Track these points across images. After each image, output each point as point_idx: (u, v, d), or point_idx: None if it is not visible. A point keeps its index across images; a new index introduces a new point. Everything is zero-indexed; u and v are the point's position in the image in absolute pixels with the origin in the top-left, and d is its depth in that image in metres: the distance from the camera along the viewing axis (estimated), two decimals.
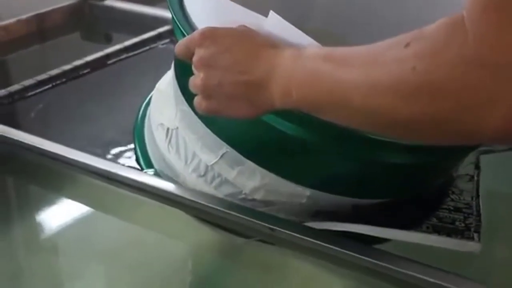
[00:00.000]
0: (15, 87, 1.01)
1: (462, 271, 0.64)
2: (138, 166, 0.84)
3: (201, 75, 0.57)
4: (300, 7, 0.85)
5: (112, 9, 1.35)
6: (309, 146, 0.63)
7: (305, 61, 0.53)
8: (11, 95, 1.00)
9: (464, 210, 0.74)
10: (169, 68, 0.82)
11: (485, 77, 0.42)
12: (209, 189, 0.74)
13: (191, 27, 0.65)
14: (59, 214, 0.83)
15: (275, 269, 0.73)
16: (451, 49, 0.43)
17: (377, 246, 0.68)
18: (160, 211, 0.79)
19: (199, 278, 0.75)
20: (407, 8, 0.79)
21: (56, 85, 1.05)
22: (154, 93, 0.85)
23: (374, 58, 0.48)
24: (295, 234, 0.69)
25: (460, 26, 0.43)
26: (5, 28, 1.23)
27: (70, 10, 1.34)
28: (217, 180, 0.73)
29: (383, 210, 0.72)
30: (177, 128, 0.75)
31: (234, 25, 0.58)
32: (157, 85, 0.84)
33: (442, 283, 0.62)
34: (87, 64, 1.09)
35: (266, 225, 0.70)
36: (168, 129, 0.77)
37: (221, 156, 0.71)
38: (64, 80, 1.06)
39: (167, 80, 0.81)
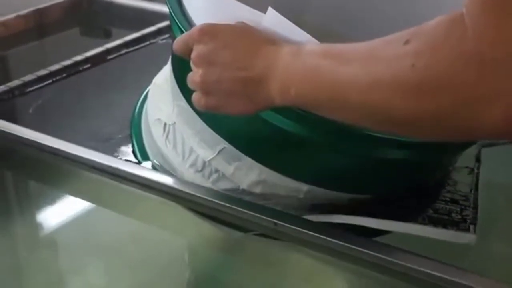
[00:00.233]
0: (15, 82, 1.01)
1: (458, 262, 0.64)
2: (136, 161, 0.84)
3: (200, 71, 0.57)
4: (297, 2, 0.85)
5: (111, 4, 1.35)
6: (307, 142, 0.64)
7: (304, 58, 0.53)
8: (11, 90, 1.00)
9: (461, 202, 0.74)
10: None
11: (484, 73, 0.42)
12: (206, 184, 0.74)
13: (189, 23, 0.65)
14: (59, 209, 0.84)
15: (276, 263, 0.73)
16: (451, 45, 0.43)
17: (378, 239, 0.68)
18: (161, 206, 0.79)
19: (200, 272, 0.75)
20: (405, 3, 0.79)
21: (56, 80, 1.04)
22: (151, 88, 0.85)
23: (373, 55, 0.48)
24: (297, 228, 0.69)
25: (459, 22, 0.43)
26: (4, 23, 1.22)
27: (69, 5, 1.34)
28: (215, 176, 0.73)
29: (380, 203, 0.72)
30: (174, 123, 0.75)
31: (232, 22, 0.58)
32: (154, 80, 0.84)
33: (443, 276, 0.62)
34: (87, 60, 1.09)
35: (269, 219, 0.70)
36: (165, 124, 0.77)
37: (219, 152, 0.71)
38: (64, 75, 1.06)
39: (164, 75, 0.80)
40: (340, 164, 0.67)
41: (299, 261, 0.73)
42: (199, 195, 0.74)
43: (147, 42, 1.18)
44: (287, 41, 0.56)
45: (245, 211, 0.71)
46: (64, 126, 0.94)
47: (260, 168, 0.69)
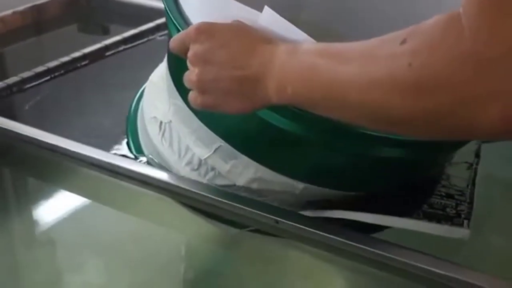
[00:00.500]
0: (13, 79, 1.01)
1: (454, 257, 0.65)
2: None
3: (196, 70, 0.57)
4: (293, 0, 0.85)
5: (109, 0, 1.35)
6: (303, 141, 0.64)
7: (300, 57, 0.53)
8: (9, 87, 1.00)
9: (456, 196, 0.74)
10: None
11: (481, 73, 0.42)
12: None
13: (186, 22, 0.65)
14: (57, 205, 0.84)
15: (274, 259, 0.73)
16: (447, 45, 0.43)
17: (376, 235, 0.69)
18: (159, 202, 0.79)
19: (197, 269, 0.75)
20: (403, 1, 0.79)
21: (54, 77, 1.05)
22: (147, 85, 0.85)
23: (370, 54, 0.48)
24: (297, 225, 0.69)
25: (456, 22, 0.43)
26: (1, 19, 1.22)
27: (67, 1, 1.34)
28: (211, 174, 0.73)
29: (375, 199, 0.72)
30: (170, 121, 0.75)
31: (228, 20, 0.58)
32: (150, 78, 0.84)
33: (440, 271, 0.63)
34: (85, 56, 1.09)
35: (271, 216, 0.70)
36: (161, 122, 0.77)
37: (215, 150, 0.71)
38: (62, 72, 1.06)
39: (160, 73, 0.80)
40: (336, 163, 0.67)
41: (297, 257, 0.73)
42: (198, 191, 0.74)
43: (145, 39, 1.18)
44: (284, 40, 0.56)
45: (246, 208, 0.71)
46: (62, 123, 0.94)
47: (256, 167, 0.69)
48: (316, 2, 0.86)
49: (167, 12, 0.67)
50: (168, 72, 0.75)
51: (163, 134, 0.77)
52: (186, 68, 0.59)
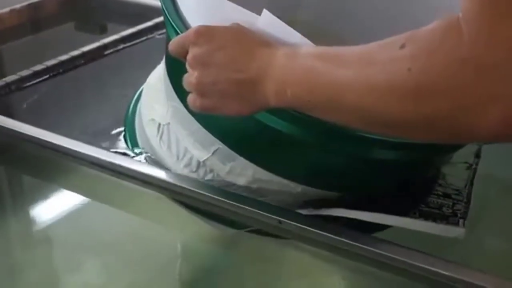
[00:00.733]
0: (11, 77, 1.01)
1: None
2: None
3: (196, 73, 0.58)
4: (290, 1, 0.85)
5: None
6: (301, 143, 0.64)
7: (300, 60, 0.53)
8: (8, 85, 1.00)
9: (453, 196, 0.75)
10: None
11: (480, 77, 0.42)
12: None
13: (185, 25, 0.65)
14: (56, 204, 0.84)
15: (274, 259, 0.73)
16: (447, 50, 0.44)
17: (376, 235, 0.69)
18: (159, 201, 0.79)
19: (197, 269, 0.75)
20: (402, 2, 0.79)
21: (53, 75, 1.04)
22: (144, 87, 0.85)
23: (369, 58, 0.49)
24: (298, 224, 0.69)
25: (455, 27, 0.43)
26: None
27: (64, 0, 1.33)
28: (209, 176, 0.73)
29: (372, 197, 0.72)
30: (169, 123, 0.75)
31: (227, 23, 0.58)
32: (147, 80, 0.84)
33: (443, 272, 0.63)
34: (83, 55, 1.09)
35: (274, 217, 0.70)
36: (159, 124, 0.77)
37: (213, 152, 0.71)
38: (61, 70, 1.05)
39: (158, 75, 0.80)
40: (334, 165, 0.67)
41: (296, 257, 0.74)
42: (200, 191, 0.74)
43: (144, 37, 1.18)
44: (282, 43, 0.56)
45: (248, 208, 0.71)
46: (61, 121, 0.94)
47: (254, 169, 0.70)
48: (313, 2, 0.86)
49: (166, 15, 0.67)
50: (166, 74, 0.75)
51: (161, 136, 0.77)
52: (185, 71, 0.59)
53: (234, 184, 0.72)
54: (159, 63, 0.84)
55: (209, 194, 0.73)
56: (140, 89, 0.88)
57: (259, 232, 0.72)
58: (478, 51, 0.42)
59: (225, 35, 0.57)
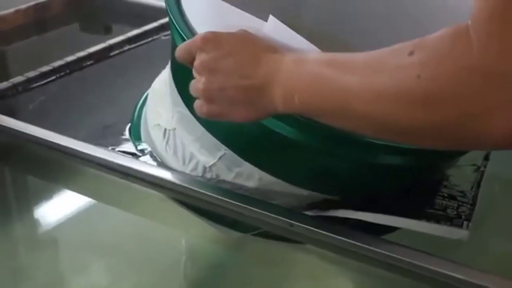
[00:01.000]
0: (18, 78, 1.01)
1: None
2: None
3: (203, 79, 0.58)
4: (293, 4, 0.85)
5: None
6: (308, 149, 0.64)
7: (307, 67, 0.53)
8: (14, 86, 1.00)
9: (458, 198, 0.75)
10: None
11: (489, 85, 0.42)
12: None
13: (191, 31, 0.65)
14: (62, 205, 0.84)
15: (280, 261, 0.73)
16: (456, 57, 0.44)
17: (385, 237, 0.69)
18: (165, 203, 0.79)
19: (202, 271, 0.75)
20: (405, 6, 0.79)
21: (60, 76, 1.05)
22: (149, 92, 0.85)
23: (377, 65, 0.49)
24: (309, 227, 0.69)
25: (464, 35, 0.44)
26: (3, 18, 1.22)
27: (69, 0, 1.33)
28: (215, 181, 0.73)
29: (377, 200, 0.72)
30: (175, 129, 0.76)
31: (234, 29, 0.58)
32: (152, 85, 0.84)
33: (450, 273, 0.63)
34: (90, 56, 1.09)
35: (286, 219, 0.70)
36: (165, 129, 0.77)
37: (219, 158, 0.71)
38: (67, 71, 1.06)
39: (163, 79, 0.80)
40: (340, 170, 0.67)
41: (303, 259, 0.73)
42: (209, 193, 0.73)
43: (150, 38, 1.18)
44: (289, 49, 0.56)
45: (259, 211, 0.71)
46: (67, 122, 0.94)
47: (260, 174, 0.70)
48: (316, 5, 0.86)
49: (172, 21, 0.67)
50: (171, 79, 0.75)
51: (167, 142, 0.77)
52: (192, 77, 0.59)
53: (240, 188, 0.72)
54: (164, 64, 0.84)
55: (217, 196, 0.73)
56: (146, 94, 0.88)
57: (265, 235, 0.72)
58: (486, 59, 0.42)
59: (232, 41, 0.57)
